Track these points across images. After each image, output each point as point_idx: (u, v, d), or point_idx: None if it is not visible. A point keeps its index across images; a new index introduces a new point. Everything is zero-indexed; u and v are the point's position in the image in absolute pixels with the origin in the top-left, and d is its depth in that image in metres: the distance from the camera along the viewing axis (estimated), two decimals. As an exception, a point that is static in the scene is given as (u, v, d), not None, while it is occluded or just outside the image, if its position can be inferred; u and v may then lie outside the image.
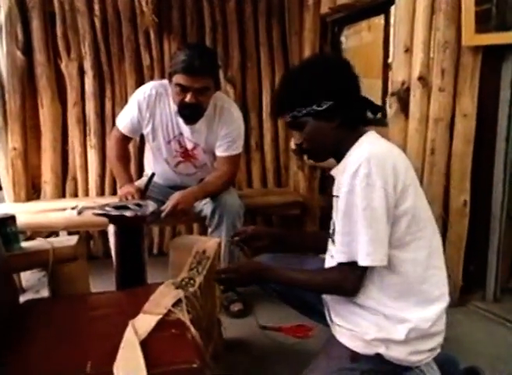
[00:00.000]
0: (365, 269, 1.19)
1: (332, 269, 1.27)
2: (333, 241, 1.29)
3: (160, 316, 1.19)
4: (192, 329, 1.14)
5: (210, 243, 1.66)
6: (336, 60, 1.40)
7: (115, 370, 1.00)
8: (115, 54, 2.81)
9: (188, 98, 1.98)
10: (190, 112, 2.05)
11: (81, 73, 2.81)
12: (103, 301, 1.47)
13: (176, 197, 2.04)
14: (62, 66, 2.78)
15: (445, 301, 1.25)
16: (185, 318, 1.17)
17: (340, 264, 1.22)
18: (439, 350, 1.25)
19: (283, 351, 1.85)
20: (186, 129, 2.17)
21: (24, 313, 1.36)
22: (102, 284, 1.89)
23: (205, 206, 2.18)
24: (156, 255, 2.98)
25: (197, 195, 2.10)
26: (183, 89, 1.98)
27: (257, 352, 1.86)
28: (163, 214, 2.00)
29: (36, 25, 2.68)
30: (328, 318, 1.35)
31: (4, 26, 2.58)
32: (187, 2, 2.82)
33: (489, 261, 2.09)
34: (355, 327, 1.24)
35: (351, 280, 1.21)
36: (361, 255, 1.16)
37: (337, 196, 1.26)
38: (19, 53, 2.65)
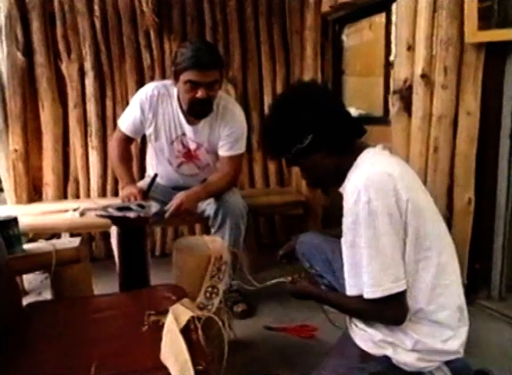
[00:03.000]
0: (397, 295, 1.13)
1: (364, 301, 1.19)
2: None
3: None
4: (198, 331, 1.13)
5: (218, 245, 1.66)
6: (303, 90, 1.35)
7: (163, 359, 1.05)
8: (116, 54, 2.80)
9: (200, 93, 1.97)
10: (201, 108, 2.05)
11: (82, 73, 2.80)
12: (107, 303, 1.46)
13: (179, 197, 2.03)
14: (63, 66, 2.78)
15: (456, 324, 1.21)
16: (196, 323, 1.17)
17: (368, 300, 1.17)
18: (452, 357, 1.21)
19: (287, 352, 1.85)
20: (188, 129, 2.16)
21: (27, 316, 1.35)
22: (105, 286, 1.89)
23: (208, 206, 2.17)
24: (158, 256, 2.97)
25: (200, 195, 2.10)
26: (194, 85, 1.97)
27: (261, 353, 1.85)
28: (167, 214, 2.00)
29: (36, 26, 2.67)
30: (347, 318, 1.33)
31: (4, 27, 2.58)
32: (188, 2, 2.81)
33: (494, 259, 2.07)
34: (367, 327, 1.22)
35: (387, 313, 1.17)
36: (370, 288, 1.14)
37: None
38: (19, 54, 2.64)
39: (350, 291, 1.21)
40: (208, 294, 1.52)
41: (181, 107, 2.12)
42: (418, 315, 1.17)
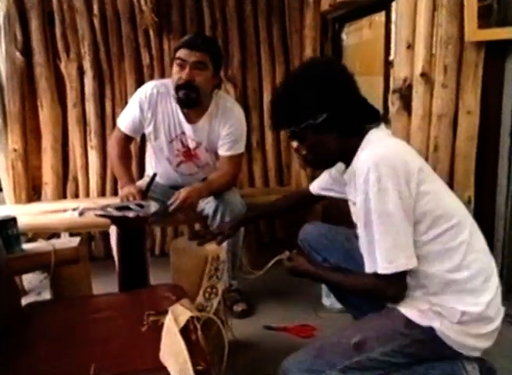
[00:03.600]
0: (403, 273, 1.17)
1: (369, 277, 1.23)
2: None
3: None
4: (198, 332, 1.13)
5: (215, 245, 1.65)
6: (327, 67, 1.33)
7: (162, 359, 1.05)
8: (115, 54, 2.80)
9: (184, 74, 2.00)
10: (188, 94, 2.03)
11: (81, 73, 2.79)
12: (106, 303, 1.46)
13: (183, 191, 2.00)
14: (62, 66, 2.77)
15: (494, 286, 1.23)
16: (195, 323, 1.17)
17: (375, 274, 1.20)
18: (488, 343, 1.24)
19: (287, 352, 1.84)
20: (188, 127, 2.16)
21: (26, 316, 1.35)
22: (104, 285, 1.88)
23: (207, 205, 2.17)
24: (158, 255, 2.97)
25: (202, 191, 2.08)
26: (182, 63, 2.01)
27: (261, 353, 1.85)
28: (172, 207, 1.96)
29: (35, 25, 2.66)
30: None
31: (2, 26, 2.56)
32: (187, 1, 2.80)
33: (495, 259, 2.06)
34: (414, 296, 1.22)
35: (392, 290, 1.20)
36: (384, 263, 1.16)
37: (354, 203, 1.26)
38: (18, 54, 2.63)
39: (370, 268, 1.21)
40: (206, 295, 1.52)
41: (180, 105, 2.13)
42: (457, 286, 1.18)
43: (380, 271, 1.17)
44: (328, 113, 1.24)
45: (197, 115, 2.16)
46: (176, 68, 2.04)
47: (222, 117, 2.16)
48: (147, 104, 2.13)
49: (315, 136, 1.28)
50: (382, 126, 1.34)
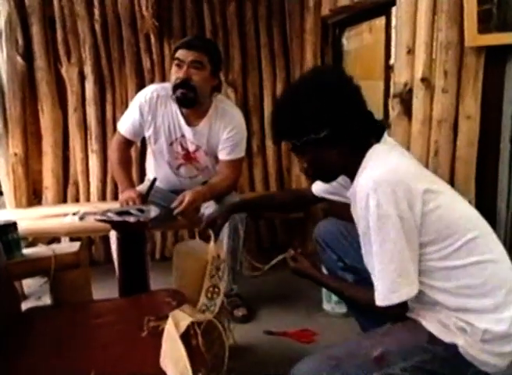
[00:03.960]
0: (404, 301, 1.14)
1: (371, 296, 1.18)
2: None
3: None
4: (198, 337, 1.13)
5: (213, 245, 1.63)
6: (331, 78, 1.26)
7: (162, 365, 1.05)
8: (116, 58, 2.81)
9: (181, 72, 2.02)
10: (185, 94, 2.04)
11: (81, 77, 2.80)
12: (106, 308, 1.46)
13: (187, 194, 1.98)
14: (63, 70, 2.78)
15: None
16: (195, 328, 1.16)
17: None
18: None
19: (287, 357, 1.84)
20: (188, 130, 2.17)
21: (26, 321, 1.34)
22: (104, 290, 1.88)
23: (207, 210, 2.16)
24: (158, 260, 2.96)
25: (206, 194, 2.07)
26: (180, 65, 2.04)
27: (261, 357, 1.84)
28: (177, 211, 1.95)
29: (36, 30, 2.68)
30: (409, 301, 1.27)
31: (4, 31, 2.58)
32: (187, 5, 2.81)
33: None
34: (437, 309, 1.17)
35: (392, 311, 1.16)
36: (386, 294, 1.13)
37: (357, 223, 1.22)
38: (19, 58, 2.64)
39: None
40: (209, 295, 1.50)
41: (180, 108, 2.13)
42: (477, 302, 1.13)
43: (381, 303, 1.13)
44: (331, 128, 1.19)
45: (196, 117, 2.17)
46: (174, 68, 2.07)
47: (222, 121, 2.16)
48: (147, 107, 2.14)
49: (317, 150, 1.23)
50: (385, 136, 1.29)
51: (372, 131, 1.27)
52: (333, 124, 1.19)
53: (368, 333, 1.23)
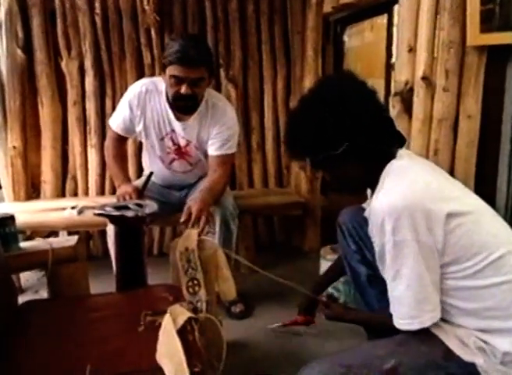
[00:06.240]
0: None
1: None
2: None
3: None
4: (195, 333, 1.12)
5: (185, 238, 1.61)
6: (345, 89, 1.19)
7: (158, 359, 1.04)
8: (116, 52, 2.79)
9: (183, 89, 1.95)
10: (186, 104, 2.03)
11: (82, 71, 2.79)
12: (103, 302, 1.45)
13: (193, 206, 1.85)
14: (63, 64, 2.77)
15: None
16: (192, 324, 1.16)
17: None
18: None
19: (285, 353, 1.84)
20: (178, 125, 2.14)
21: (23, 314, 1.34)
22: (101, 284, 1.88)
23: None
24: (156, 255, 2.96)
25: (209, 201, 1.97)
26: (178, 80, 1.95)
27: (259, 354, 1.85)
28: (189, 224, 1.79)
29: (36, 23, 2.66)
30: None
31: (4, 23, 2.56)
32: (189, 0, 2.80)
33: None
34: (458, 323, 1.13)
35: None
36: (406, 320, 1.10)
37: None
38: (19, 51, 2.63)
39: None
40: (190, 290, 1.49)
41: (169, 103, 2.10)
42: (500, 324, 1.08)
43: (403, 328, 1.11)
44: (349, 143, 1.13)
45: (186, 112, 2.13)
46: (170, 81, 1.97)
47: (213, 116, 2.12)
48: (136, 102, 2.11)
49: (336, 165, 1.20)
50: (404, 149, 1.24)
51: (392, 140, 1.22)
52: (351, 138, 1.14)
53: (382, 341, 1.18)
